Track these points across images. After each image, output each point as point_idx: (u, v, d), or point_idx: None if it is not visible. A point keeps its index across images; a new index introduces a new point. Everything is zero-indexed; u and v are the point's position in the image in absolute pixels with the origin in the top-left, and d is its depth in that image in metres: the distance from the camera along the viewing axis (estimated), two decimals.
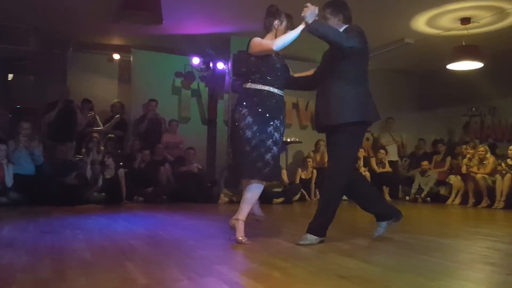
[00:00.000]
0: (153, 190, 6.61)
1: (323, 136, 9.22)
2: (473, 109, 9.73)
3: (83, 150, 6.43)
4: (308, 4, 2.91)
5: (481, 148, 7.28)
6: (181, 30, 7.16)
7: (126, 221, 4.45)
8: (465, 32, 6.57)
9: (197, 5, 6.17)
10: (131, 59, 8.02)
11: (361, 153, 8.64)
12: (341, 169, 3.05)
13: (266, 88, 3.05)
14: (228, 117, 7.69)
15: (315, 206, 6.79)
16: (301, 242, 2.96)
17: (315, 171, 7.84)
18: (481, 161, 7.16)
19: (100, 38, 7.68)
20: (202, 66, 7.73)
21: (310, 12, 2.87)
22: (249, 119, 2.97)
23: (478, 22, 6.35)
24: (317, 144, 8.34)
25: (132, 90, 7.99)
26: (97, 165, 6.23)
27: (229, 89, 7.59)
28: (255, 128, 2.96)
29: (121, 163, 6.54)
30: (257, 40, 3.12)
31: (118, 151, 6.99)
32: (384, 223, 3.32)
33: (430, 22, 6.54)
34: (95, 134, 6.75)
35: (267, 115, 3.01)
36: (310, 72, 3.38)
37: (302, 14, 2.88)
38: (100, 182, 6.10)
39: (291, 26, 3.16)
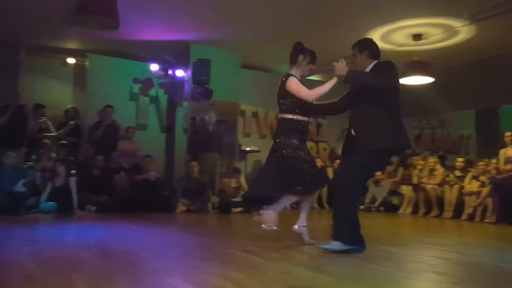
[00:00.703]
0: (107, 199, 6.41)
1: None
2: (424, 122, 10.17)
3: (34, 156, 6.15)
4: (335, 63, 3.36)
5: (431, 160, 7.59)
6: (139, 36, 7.05)
7: (76, 232, 4.30)
8: (416, 48, 6.88)
9: (155, 11, 6.10)
10: (87, 63, 7.80)
11: (319, 162, 8.79)
12: (354, 184, 3.33)
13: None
14: (187, 125, 7.62)
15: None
16: (324, 247, 3.18)
17: None
18: (431, 172, 7.46)
19: (54, 41, 7.42)
20: (161, 73, 7.62)
21: (341, 67, 3.30)
22: None
23: (429, 39, 6.66)
24: None
25: (87, 95, 7.75)
26: (47, 173, 5.97)
27: (189, 97, 7.53)
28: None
29: (72, 171, 6.31)
30: (295, 83, 3.55)
31: (70, 158, 6.74)
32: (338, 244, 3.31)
33: (384, 38, 6.80)
34: (46, 141, 6.47)
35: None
36: (335, 100, 3.76)
37: (335, 72, 3.32)
38: (49, 189, 5.85)
39: (313, 61, 3.72)
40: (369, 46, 3.47)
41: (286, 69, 9.04)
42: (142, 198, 6.52)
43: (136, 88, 7.95)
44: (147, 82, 7.89)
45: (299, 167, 3.46)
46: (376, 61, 3.41)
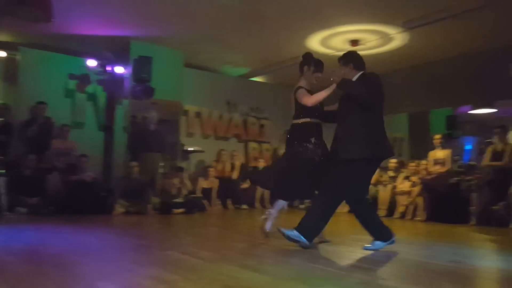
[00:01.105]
0: (39, 200, 6.06)
1: (225, 145, 9.35)
2: None
3: None
4: (331, 74, 3.58)
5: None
6: (75, 30, 6.74)
7: (2, 236, 4.01)
8: None
9: (92, 5, 5.87)
10: (18, 57, 7.33)
11: (261, 163, 8.89)
12: (339, 192, 3.51)
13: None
14: (127, 124, 7.40)
15: (216, 215, 6.88)
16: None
17: (216, 180, 7.86)
18: None
19: None
20: (99, 69, 7.32)
21: (338, 74, 3.56)
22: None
23: (365, 45, 6.95)
24: (219, 154, 8.39)
25: (18, 91, 7.29)
26: None
27: (129, 95, 7.31)
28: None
29: (1, 171, 5.89)
30: (299, 93, 3.85)
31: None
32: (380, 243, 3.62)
33: (323, 42, 7.00)
34: None
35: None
36: (335, 106, 3.85)
37: (332, 79, 3.54)
38: None
39: (318, 69, 3.94)
40: (352, 59, 3.71)
41: (230, 70, 9.17)
42: (77, 199, 6.22)
43: (72, 84, 7.58)
44: (84, 78, 7.53)
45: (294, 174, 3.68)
46: (361, 72, 3.63)
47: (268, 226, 3.86)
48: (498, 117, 9.66)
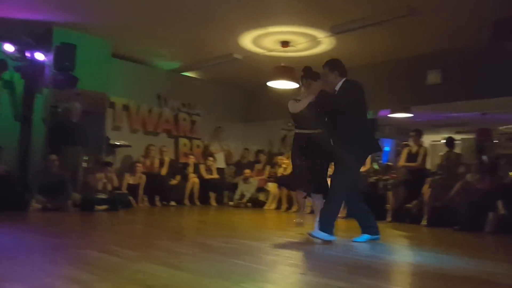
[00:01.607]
0: None
1: (153, 140, 9.12)
2: (289, 124, 10.87)
3: None
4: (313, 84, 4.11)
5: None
6: None
7: None
8: (284, 54, 7.31)
9: None
10: None
11: (191, 159, 8.80)
12: (340, 186, 3.97)
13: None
14: (47, 114, 6.94)
15: (142, 212, 6.69)
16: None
17: (144, 176, 7.64)
18: None
19: None
20: (17, 55, 6.78)
21: (315, 87, 4.07)
22: None
23: (295, 46, 7.13)
24: (147, 149, 8.16)
25: None
26: None
27: (50, 84, 6.86)
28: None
29: None
30: (289, 103, 4.19)
31: None
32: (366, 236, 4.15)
33: (255, 41, 7.08)
34: None
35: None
36: None
37: (310, 89, 4.08)
38: None
39: (309, 77, 4.23)
40: (338, 67, 4.07)
41: (161, 63, 8.94)
42: None
43: None
44: (0, 64, 6.96)
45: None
46: (344, 79, 4.02)
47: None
48: (414, 121, 10.41)
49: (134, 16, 6.28)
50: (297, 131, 4.24)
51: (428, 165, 7.55)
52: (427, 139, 12.66)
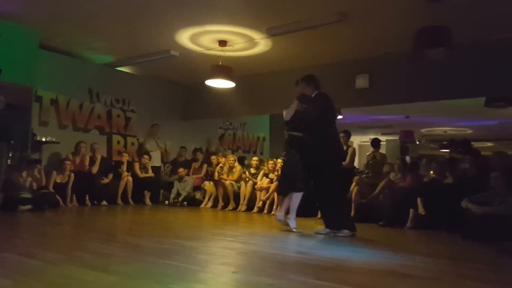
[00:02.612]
0: None
1: (84, 137, 8.74)
2: (227, 123, 10.95)
3: None
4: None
5: (231, 158, 8.23)
6: None
7: None
8: (222, 53, 7.33)
9: None
10: None
11: (125, 157, 8.55)
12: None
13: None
14: None
15: (70, 213, 6.40)
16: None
17: (72, 174, 7.30)
18: (231, 169, 8.09)
19: None
20: None
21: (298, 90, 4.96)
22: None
23: (233, 46, 7.17)
24: (77, 146, 7.80)
25: None
26: None
27: None
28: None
29: None
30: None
31: None
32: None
33: (193, 39, 7.02)
34: None
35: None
36: None
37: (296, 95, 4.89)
38: None
39: (308, 86, 4.89)
40: (314, 81, 4.87)
41: (93, 57, 8.57)
42: None
43: None
44: None
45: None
46: (317, 91, 4.81)
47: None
48: (343, 123, 10.89)
49: (64, 5, 5.97)
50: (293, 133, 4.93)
51: (356, 165, 7.96)
52: (356, 140, 13.36)
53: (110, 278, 2.32)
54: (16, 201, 6.03)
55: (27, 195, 6.27)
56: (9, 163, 6.49)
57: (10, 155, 6.63)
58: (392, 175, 6.52)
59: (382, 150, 8.17)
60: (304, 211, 6.69)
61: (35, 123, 7.51)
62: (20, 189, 6.27)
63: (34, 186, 6.57)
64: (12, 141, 6.57)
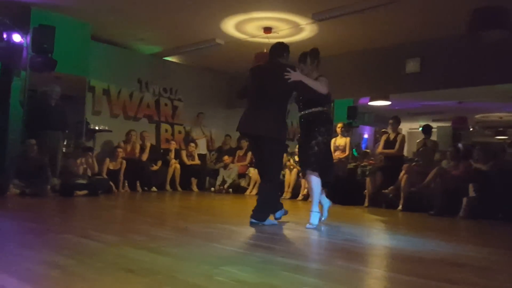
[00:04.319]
0: None
1: (134, 126, 9.05)
2: None
3: None
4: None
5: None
6: None
7: None
8: (266, 40, 7.30)
9: None
10: None
11: (173, 145, 8.78)
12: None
13: None
14: (25, 98, 6.80)
15: (122, 198, 6.67)
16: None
17: (124, 162, 7.60)
18: None
19: None
20: None
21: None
22: None
23: (278, 33, 7.12)
24: (128, 134, 8.09)
25: None
26: None
27: (28, 66, 6.71)
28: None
29: None
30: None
31: None
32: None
33: (238, 27, 7.04)
34: None
35: None
36: None
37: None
38: None
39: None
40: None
41: (142, 47, 8.81)
42: None
43: None
44: None
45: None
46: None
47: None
48: (392, 109, 10.58)
49: None
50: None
51: (405, 152, 7.72)
52: (405, 127, 12.94)
53: (164, 259, 2.39)
54: (72, 186, 6.35)
55: (83, 181, 6.59)
56: (64, 151, 6.84)
57: (65, 143, 6.98)
58: (444, 163, 6.28)
59: (433, 137, 7.86)
60: (348, 199, 6.64)
61: (88, 113, 7.87)
62: (75, 175, 6.60)
63: (88, 172, 6.89)
64: (67, 130, 6.92)
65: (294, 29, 7.02)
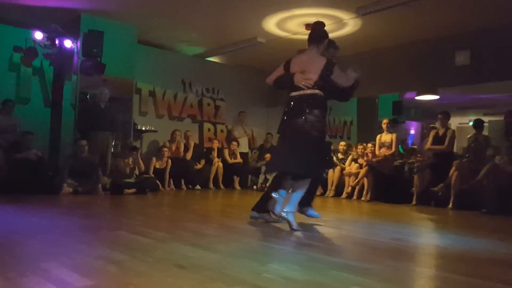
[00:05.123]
0: None
1: (178, 126, 9.25)
2: None
3: None
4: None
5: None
6: (21, 0, 6.35)
7: None
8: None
9: None
10: None
11: (215, 144, 8.90)
12: None
13: None
14: (76, 100, 7.12)
15: (168, 196, 6.85)
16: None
17: (170, 161, 7.79)
18: None
19: None
20: (46, 42, 6.96)
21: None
22: None
23: None
24: (173, 134, 8.29)
25: None
26: None
27: (79, 70, 7.02)
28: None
29: None
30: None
31: None
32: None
33: (279, 24, 7.03)
34: None
35: None
36: None
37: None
38: None
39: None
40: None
41: (185, 48, 8.98)
42: (22, 178, 5.97)
43: (17, 57, 7.17)
44: (30, 51, 7.16)
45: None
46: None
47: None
48: (439, 103, 10.19)
49: (159, 1, 6.33)
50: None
51: (455, 148, 7.42)
52: (454, 122, 12.44)
53: (213, 255, 2.44)
54: (122, 185, 6.58)
55: (131, 180, 6.82)
56: (112, 151, 7.11)
57: (114, 143, 7.24)
58: (497, 159, 5.98)
59: (485, 132, 7.50)
60: (395, 197, 6.47)
61: (135, 113, 8.12)
62: (124, 174, 6.83)
63: (136, 171, 7.11)
64: (116, 131, 7.18)
65: (337, 24, 6.92)
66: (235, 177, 8.75)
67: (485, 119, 8.07)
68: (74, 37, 6.94)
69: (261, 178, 8.67)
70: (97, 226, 3.44)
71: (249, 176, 9.16)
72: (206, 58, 9.41)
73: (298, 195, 3.53)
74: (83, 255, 2.36)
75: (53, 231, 3.15)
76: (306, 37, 7.50)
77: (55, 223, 3.48)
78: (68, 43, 6.90)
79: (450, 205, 5.97)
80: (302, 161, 3.44)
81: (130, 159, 7.02)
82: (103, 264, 2.13)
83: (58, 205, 5.10)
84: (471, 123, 7.66)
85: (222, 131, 9.73)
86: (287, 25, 7.03)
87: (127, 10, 6.78)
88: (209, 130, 9.55)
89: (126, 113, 7.65)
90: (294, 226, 3.48)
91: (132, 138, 7.82)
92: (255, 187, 8.73)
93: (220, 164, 8.56)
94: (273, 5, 6.25)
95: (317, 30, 3.81)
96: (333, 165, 3.48)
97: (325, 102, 3.60)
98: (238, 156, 8.93)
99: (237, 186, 8.73)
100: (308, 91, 3.55)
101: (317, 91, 3.54)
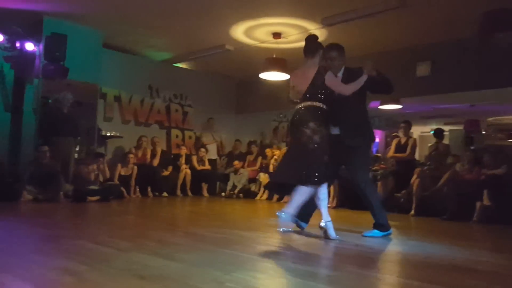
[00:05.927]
0: None
1: (145, 132, 9.11)
2: (281, 115, 10.90)
3: None
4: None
5: (285, 150, 8.22)
6: None
7: None
8: (276, 45, 7.31)
9: None
10: None
11: (183, 150, 8.82)
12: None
13: None
14: (38, 105, 6.89)
15: (134, 203, 6.71)
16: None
17: (136, 167, 7.65)
18: None
19: None
20: (6, 45, 6.72)
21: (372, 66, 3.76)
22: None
23: (287, 38, 7.14)
24: (139, 140, 8.16)
25: None
26: None
27: (40, 74, 6.81)
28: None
29: None
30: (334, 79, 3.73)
31: None
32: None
33: (247, 33, 7.07)
34: None
35: None
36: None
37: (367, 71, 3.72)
38: None
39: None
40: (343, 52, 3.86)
41: (153, 54, 8.90)
42: None
43: None
44: None
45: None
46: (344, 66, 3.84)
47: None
48: (403, 112, 10.48)
49: (126, 6, 6.25)
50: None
51: (417, 156, 7.65)
52: (416, 131, 12.80)
53: (175, 265, 2.40)
54: (85, 192, 6.41)
55: (95, 187, 6.65)
56: (76, 157, 6.92)
57: (77, 149, 7.06)
58: (458, 166, 6.20)
59: (445, 140, 7.78)
60: (359, 204, 6.58)
61: (100, 119, 7.95)
62: (87, 181, 6.66)
63: (100, 178, 6.94)
64: (79, 137, 7.00)
65: (303, 34, 7.01)
66: (203, 184, 8.69)
67: (446, 128, 8.39)
68: (36, 40, 6.74)
69: (229, 185, 8.66)
70: (56, 235, 3.32)
71: (218, 183, 9.12)
72: (173, 64, 9.33)
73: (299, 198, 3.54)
74: (40, 266, 2.27)
75: (9, 240, 3.02)
76: (274, 45, 7.66)
77: (13, 232, 3.34)
78: (29, 46, 6.69)
79: (412, 212, 6.14)
80: (292, 169, 3.52)
81: (95, 166, 6.85)
82: (60, 275, 2.06)
83: (17, 213, 4.91)
84: (432, 132, 7.92)
85: (190, 137, 9.66)
86: (255, 34, 7.09)
87: (93, 14, 6.65)
88: (177, 136, 9.45)
89: (90, 118, 7.48)
90: (333, 236, 3.61)
91: (97, 144, 7.64)
92: (223, 194, 8.71)
93: (188, 171, 8.48)
94: (241, 13, 6.29)
95: (308, 43, 3.89)
96: (318, 183, 3.32)
97: (323, 113, 3.55)
98: (207, 162, 8.88)
99: (205, 193, 8.67)
100: (302, 104, 3.59)
101: (314, 103, 3.55)
